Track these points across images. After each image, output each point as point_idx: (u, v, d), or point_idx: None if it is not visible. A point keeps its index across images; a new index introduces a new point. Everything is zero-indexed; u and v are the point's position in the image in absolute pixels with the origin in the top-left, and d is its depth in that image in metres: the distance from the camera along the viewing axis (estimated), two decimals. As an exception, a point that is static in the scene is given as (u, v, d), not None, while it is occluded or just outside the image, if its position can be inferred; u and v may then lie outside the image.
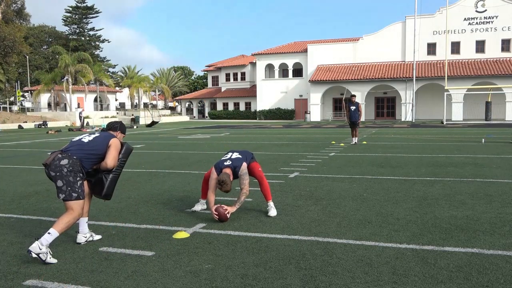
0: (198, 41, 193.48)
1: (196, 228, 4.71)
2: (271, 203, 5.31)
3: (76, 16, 68.60)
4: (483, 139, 15.48)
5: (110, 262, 3.73)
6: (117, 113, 51.66)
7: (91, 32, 70.34)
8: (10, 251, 4.07)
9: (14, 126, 36.23)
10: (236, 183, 5.72)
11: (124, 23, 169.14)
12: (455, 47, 40.52)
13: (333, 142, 15.92)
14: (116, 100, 62.69)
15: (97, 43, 71.28)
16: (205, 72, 67.66)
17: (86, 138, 4.26)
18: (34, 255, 3.61)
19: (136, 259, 3.79)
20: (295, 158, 10.92)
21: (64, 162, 3.95)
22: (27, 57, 54.85)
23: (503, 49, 39.49)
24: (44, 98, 51.48)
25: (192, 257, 3.80)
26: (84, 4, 67.77)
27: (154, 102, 69.06)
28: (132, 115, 45.81)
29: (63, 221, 3.87)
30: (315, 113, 42.56)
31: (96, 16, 71.14)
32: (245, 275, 3.37)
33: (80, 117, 34.54)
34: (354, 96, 15.87)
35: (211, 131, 26.37)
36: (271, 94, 46.90)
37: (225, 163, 5.15)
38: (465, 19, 39.78)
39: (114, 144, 4.24)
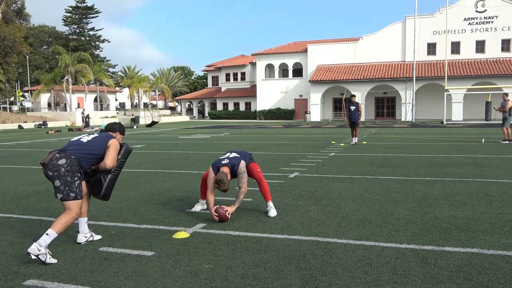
0: (198, 41, 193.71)
1: (196, 228, 4.71)
2: (270, 203, 5.30)
3: (76, 16, 68.62)
4: (483, 139, 15.48)
5: (110, 262, 3.72)
6: (117, 113, 51.64)
7: (91, 32, 70.40)
8: (10, 251, 4.07)
9: (14, 126, 36.24)
10: (234, 183, 5.72)
11: (124, 23, 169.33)
12: (455, 47, 40.52)
13: (333, 142, 15.91)
14: (116, 100, 62.68)
15: (97, 43, 71.31)
16: (205, 72, 67.67)
17: (85, 138, 4.25)
18: (33, 257, 3.61)
19: (136, 259, 3.78)
20: (295, 158, 10.92)
21: (62, 161, 3.95)
22: (27, 57, 54.85)
23: (503, 49, 39.49)
24: (44, 98, 51.49)
25: (192, 257, 3.80)
26: (84, 4, 67.79)
27: (154, 102, 69.04)
28: (132, 115, 45.81)
29: (61, 221, 3.87)
30: (315, 113, 42.57)
31: (96, 16, 71.24)
32: (245, 275, 3.37)
33: (83, 117, 34.62)
34: (354, 96, 15.87)
35: (211, 131, 26.37)
36: (271, 94, 46.90)
37: (223, 162, 5.14)
38: (465, 19, 39.78)
39: (113, 144, 4.24)
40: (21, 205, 6.07)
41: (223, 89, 54.66)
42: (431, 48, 41.09)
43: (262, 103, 47.35)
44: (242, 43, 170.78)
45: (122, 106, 66.25)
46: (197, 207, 5.53)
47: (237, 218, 5.09)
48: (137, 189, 7.12)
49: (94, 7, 68.69)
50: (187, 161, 10.81)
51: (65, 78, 45.94)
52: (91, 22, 73.41)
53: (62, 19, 68.48)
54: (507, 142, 14.38)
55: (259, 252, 3.91)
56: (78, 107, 48.15)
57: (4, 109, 52.92)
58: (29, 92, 56.10)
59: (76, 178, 3.98)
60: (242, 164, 5.13)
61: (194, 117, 60.04)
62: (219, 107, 53.41)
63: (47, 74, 47.11)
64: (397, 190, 6.65)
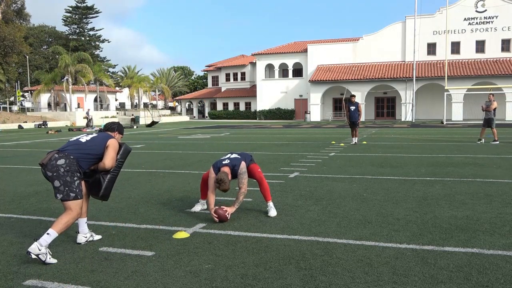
0: (198, 41, 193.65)
1: (196, 228, 4.71)
2: (270, 203, 5.31)
3: (76, 16, 68.62)
4: (483, 139, 15.47)
5: (110, 262, 3.72)
6: (117, 113, 51.62)
7: (91, 32, 70.40)
8: (10, 251, 4.07)
9: (14, 126, 36.24)
10: (234, 183, 5.72)
11: (124, 23, 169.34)
12: (455, 47, 40.52)
13: (333, 142, 15.91)
14: (116, 100, 62.69)
15: (97, 43, 71.31)
16: (205, 72, 67.67)
17: (84, 138, 4.25)
18: (33, 256, 3.60)
19: (136, 259, 3.78)
20: (295, 158, 10.92)
21: (61, 162, 3.94)
22: (27, 57, 54.84)
23: (503, 49, 39.50)
24: (44, 98, 51.50)
25: (192, 257, 3.80)
26: (84, 4, 67.78)
27: (154, 102, 69.05)
28: (132, 115, 45.79)
29: (62, 221, 3.87)
30: (315, 113, 42.57)
31: (96, 16, 71.25)
32: (245, 275, 3.37)
33: (89, 118, 34.72)
34: (354, 96, 15.88)
35: (211, 131, 26.37)
36: (271, 94, 46.90)
37: (224, 162, 5.16)
38: (465, 19, 39.79)
39: (112, 144, 4.23)
40: (21, 205, 6.07)
41: (223, 89, 54.66)
42: (431, 48, 41.10)
43: (262, 103, 47.35)
44: (242, 43, 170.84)
45: (122, 106, 66.24)
46: (197, 207, 5.53)
47: (237, 218, 5.09)
48: (137, 189, 7.12)
49: (94, 7, 68.74)
50: (187, 161, 10.81)
51: (65, 78, 45.94)
52: (91, 22, 73.55)
53: (62, 19, 68.56)
54: (497, 142, 14.35)
55: (259, 252, 3.90)
56: (78, 107, 48.18)
57: (4, 109, 52.92)
58: (29, 92, 56.10)
59: (75, 178, 3.97)
60: (243, 164, 5.15)
61: (194, 117, 60.04)
62: (219, 107, 53.41)
63: (47, 74, 47.13)
64: (397, 190, 6.65)
